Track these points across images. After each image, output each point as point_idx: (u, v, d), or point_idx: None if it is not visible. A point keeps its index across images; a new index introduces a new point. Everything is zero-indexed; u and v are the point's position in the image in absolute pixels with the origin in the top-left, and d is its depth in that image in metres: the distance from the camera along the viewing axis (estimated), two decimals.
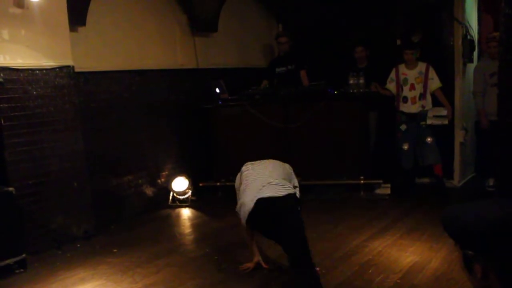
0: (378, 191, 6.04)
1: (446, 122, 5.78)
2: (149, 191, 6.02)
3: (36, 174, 4.56)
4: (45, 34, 4.62)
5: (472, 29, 6.36)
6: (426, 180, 6.25)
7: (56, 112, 4.72)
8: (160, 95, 6.09)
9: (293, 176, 3.93)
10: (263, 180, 3.64)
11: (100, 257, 4.41)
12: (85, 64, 5.15)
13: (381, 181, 6.02)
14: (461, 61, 6.22)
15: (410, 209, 5.38)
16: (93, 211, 5.04)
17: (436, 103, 5.85)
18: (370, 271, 3.79)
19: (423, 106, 5.80)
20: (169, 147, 6.28)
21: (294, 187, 3.81)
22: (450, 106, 5.88)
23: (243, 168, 3.93)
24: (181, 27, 6.47)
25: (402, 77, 5.90)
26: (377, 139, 6.39)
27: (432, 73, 5.79)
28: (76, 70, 4.91)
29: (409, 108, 5.86)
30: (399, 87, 5.91)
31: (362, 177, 5.97)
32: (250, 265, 3.88)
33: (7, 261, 4.04)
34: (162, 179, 6.18)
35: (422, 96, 5.80)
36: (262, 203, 3.49)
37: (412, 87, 5.84)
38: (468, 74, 6.34)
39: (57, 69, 4.73)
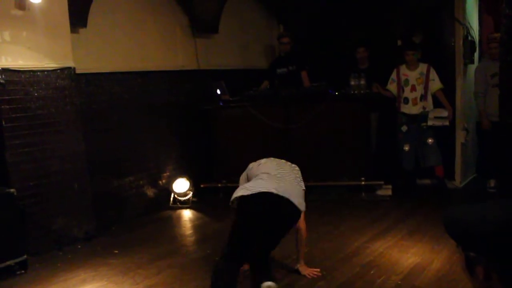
0: (379, 192, 6.04)
1: (447, 123, 5.78)
2: (150, 192, 6.02)
3: (37, 175, 4.56)
4: (46, 35, 4.62)
5: (473, 30, 6.36)
6: (427, 181, 6.24)
7: (57, 114, 4.72)
8: (161, 96, 6.09)
9: (301, 178, 3.69)
10: (274, 173, 3.40)
11: (101, 258, 4.41)
12: (86, 65, 5.15)
13: (382, 182, 6.02)
14: (462, 62, 6.22)
15: (411, 210, 5.38)
16: (94, 212, 5.05)
17: (437, 104, 5.85)
18: (372, 272, 3.79)
19: (424, 107, 5.80)
20: (170, 149, 6.29)
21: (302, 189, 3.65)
22: (451, 107, 5.87)
23: (249, 166, 3.85)
24: (182, 28, 6.48)
25: (403, 78, 5.90)
26: (378, 140, 6.39)
27: (433, 74, 5.78)
28: (77, 71, 4.92)
29: (410, 109, 5.86)
30: (400, 88, 5.91)
31: (363, 178, 5.96)
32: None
33: (8, 262, 4.04)
34: (163, 180, 6.18)
35: (423, 97, 5.80)
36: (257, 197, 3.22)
37: (413, 88, 5.84)
38: (469, 75, 6.34)
39: (58, 71, 4.73)
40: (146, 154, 5.98)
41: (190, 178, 6.17)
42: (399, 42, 6.49)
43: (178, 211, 6.01)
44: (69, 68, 4.81)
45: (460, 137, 6.30)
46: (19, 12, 4.38)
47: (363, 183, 5.97)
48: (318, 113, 5.95)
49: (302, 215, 3.69)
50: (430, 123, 5.77)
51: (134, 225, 5.47)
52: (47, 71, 4.65)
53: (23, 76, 4.46)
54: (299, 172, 3.73)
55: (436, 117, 5.78)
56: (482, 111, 5.93)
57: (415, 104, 5.83)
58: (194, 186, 6.25)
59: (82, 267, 4.23)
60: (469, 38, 6.22)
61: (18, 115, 4.42)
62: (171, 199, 6.15)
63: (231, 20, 7.00)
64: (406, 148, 5.87)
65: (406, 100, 5.88)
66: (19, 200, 4.28)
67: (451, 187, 6.18)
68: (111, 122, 5.51)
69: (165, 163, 6.22)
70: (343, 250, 4.28)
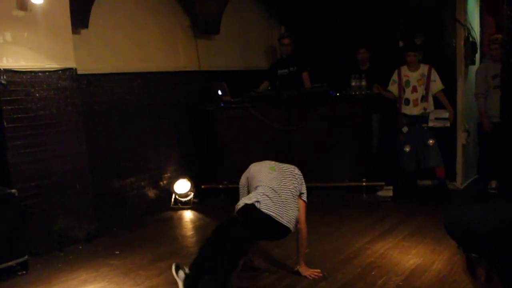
0: (380, 193, 6.03)
1: (448, 124, 5.78)
2: (151, 193, 6.02)
3: (39, 175, 4.57)
4: (47, 36, 4.63)
5: (474, 31, 6.36)
6: (428, 182, 6.24)
7: (59, 114, 4.73)
8: (162, 97, 6.10)
9: (303, 182, 3.79)
10: (267, 188, 3.55)
11: (103, 259, 4.42)
12: (88, 66, 5.16)
13: (383, 183, 6.02)
14: (463, 63, 6.22)
15: (412, 212, 5.37)
16: (95, 213, 5.05)
17: (438, 105, 5.85)
18: (373, 273, 3.79)
19: (425, 109, 5.79)
20: (171, 149, 6.29)
21: (301, 193, 3.74)
22: (452, 108, 5.87)
23: (250, 167, 3.89)
24: (183, 29, 6.48)
25: (404, 79, 5.89)
26: (379, 141, 6.39)
27: (434, 75, 5.78)
28: (79, 72, 4.92)
29: (411, 110, 5.85)
30: (401, 89, 5.91)
31: (364, 179, 5.96)
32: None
33: (10, 263, 4.05)
34: (164, 181, 6.19)
35: (424, 98, 5.79)
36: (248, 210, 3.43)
37: (414, 89, 5.83)
38: (470, 76, 6.34)
39: (60, 71, 4.74)
40: (147, 154, 5.98)
41: (191, 179, 6.17)
42: (400, 43, 6.49)
43: (179, 212, 6.01)
44: (71, 69, 4.82)
45: (461, 138, 6.29)
46: (21, 13, 4.39)
47: (364, 184, 5.97)
48: (319, 114, 5.95)
49: (303, 217, 3.71)
50: (431, 124, 5.77)
51: (135, 225, 5.47)
52: (49, 72, 4.65)
53: (24, 76, 4.47)
54: (300, 176, 3.80)
55: (437, 118, 5.77)
56: (483, 112, 5.93)
57: (416, 105, 5.83)
58: (195, 187, 6.25)
59: (83, 267, 4.23)
60: (470, 39, 6.21)
61: (19, 115, 4.42)
62: (172, 200, 6.16)
63: (232, 21, 7.01)
64: (407, 149, 5.87)
65: (407, 101, 5.88)
66: (20, 200, 4.28)
67: (452, 188, 6.17)
68: (112, 122, 5.51)
69: (166, 163, 6.22)
70: (344, 251, 4.28)
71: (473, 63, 6.35)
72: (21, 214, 4.24)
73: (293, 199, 3.60)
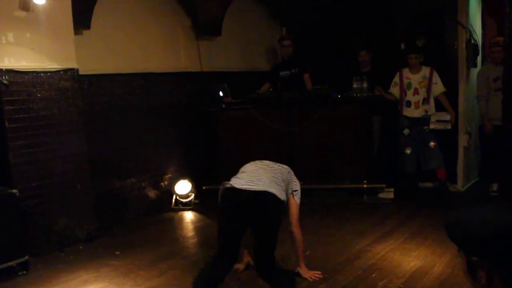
0: (381, 195, 6.03)
1: (449, 126, 5.77)
2: (152, 193, 6.02)
3: (40, 176, 4.57)
4: (49, 37, 4.64)
5: (476, 33, 6.35)
6: (429, 184, 6.23)
7: (60, 115, 4.73)
8: (163, 98, 6.10)
9: (293, 179, 3.63)
10: (249, 174, 3.42)
11: (103, 260, 4.41)
12: (89, 67, 5.16)
13: (384, 185, 6.01)
14: (465, 66, 6.21)
15: (413, 213, 5.37)
16: (96, 213, 5.05)
17: (439, 107, 5.85)
18: (373, 275, 3.78)
19: (426, 111, 5.79)
20: (172, 150, 6.29)
21: (293, 191, 3.59)
22: (454, 110, 5.86)
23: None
24: (185, 31, 6.49)
25: (405, 81, 5.89)
26: (380, 143, 6.38)
27: (436, 78, 5.78)
28: (80, 72, 4.93)
29: (412, 112, 5.85)
30: (403, 91, 5.91)
31: (365, 181, 5.95)
32: (239, 266, 3.88)
33: (10, 263, 4.05)
34: (165, 182, 6.19)
35: (426, 100, 5.79)
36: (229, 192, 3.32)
37: (416, 92, 5.83)
38: (472, 78, 6.33)
39: (62, 72, 4.75)
40: (148, 155, 5.98)
41: (192, 180, 6.17)
42: (402, 46, 6.49)
43: (180, 212, 6.01)
44: (72, 69, 4.83)
45: (462, 140, 6.29)
46: (23, 14, 4.39)
47: (365, 186, 5.96)
48: (320, 115, 5.94)
49: (295, 218, 3.58)
50: (432, 126, 5.76)
51: (136, 226, 5.47)
52: (50, 72, 4.66)
53: (26, 77, 4.47)
54: (291, 172, 3.63)
55: (438, 121, 5.77)
56: (484, 115, 5.92)
57: (417, 107, 5.83)
58: (196, 188, 6.25)
59: (84, 268, 4.23)
60: (472, 41, 6.21)
61: (21, 116, 4.43)
62: (173, 200, 6.16)
63: (233, 22, 7.02)
64: (408, 151, 5.86)
65: (409, 103, 5.87)
66: (22, 200, 4.28)
67: (453, 191, 6.16)
68: (113, 123, 5.52)
69: (167, 164, 6.22)
70: (344, 253, 4.27)
71: (475, 65, 6.35)
72: (22, 214, 4.24)
73: (276, 184, 3.35)
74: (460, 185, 6.34)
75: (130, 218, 5.63)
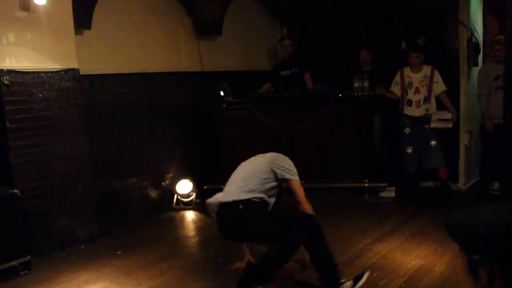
0: (382, 194, 6.02)
1: (450, 125, 5.77)
2: (153, 193, 6.03)
3: (41, 176, 4.57)
4: (50, 37, 4.64)
5: (477, 32, 6.35)
6: (430, 183, 6.22)
7: (61, 115, 4.74)
8: (164, 97, 6.10)
9: (280, 167, 3.52)
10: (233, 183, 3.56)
11: (104, 259, 4.42)
12: (90, 67, 5.17)
13: (385, 184, 6.01)
14: (466, 64, 6.20)
15: (414, 213, 5.36)
16: (97, 213, 5.05)
17: (440, 106, 5.84)
18: (375, 274, 3.78)
19: (427, 110, 5.78)
20: (173, 150, 6.29)
21: (284, 174, 3.50)
22: (455, 109, 5.86)
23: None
24: (185, 30, 6.49)
25: (407, 80, 5.89)
26: (381, 142, 6.38)
27: (437, 77, 5.77)
28: (81, 73, 4.93)
29: (413, 111, 5.85)
30: (404, 90, 5.90)
31: (366, 180, 5.95)
32: (240, 264, 3.88)
33: (12, 263, 4.06)
34: (166, 182, 6.19)
35: (427, 99, 5.79)
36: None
37: (417, 91, 5.82)
38: (473, 77, 6.32)
39: (62, 72, 4.75)
40: (149, 155, 5.99)
41: (193, 180, 6.18)
42: (403, 45, 6.48)
43: (181, 212, 6.01)
44: (73, 69, 4.83)
45: (463, 139, 6.28)
46: (24, 14, 4.39)
47: (366, 185, 5.96)
48: (321, 115, 5.94)
49: (301, 196, 3.49)
50: (433, 125, 5.76)
51: (137, 226, 5.48)
52: (51, 72, 4.66)
53: (27, 77, 4.48)
54: (272, 163, 3.55)
55: (439, 120, 5.76)
56: (485, 113, 5.92)
57: (418, 106, 5.82)
58: (198, 187, 6.25)
59: (85, 268, 4.24)
60: (473, 40, 6.20)
61: (22, 116, 4.43)
62: (174, 200, 6.16)
63: (234, 22, 7.01)
64: (409, 150, 5.86)
65: (410, 102, 5.87)
66: (23, 201, 4.29)
67: (454, 190, 6.16)
68: (114, 123, 5.52)
69: (168, 164, 6.22)
70: (345, 252, 4.27)
71: (476, 64, 6.34)
72: (23, 214, 4.25)
73: (255, 179, 3.42)
74: (462, 184, 6.33)
75: (131, 218, 5.64)
